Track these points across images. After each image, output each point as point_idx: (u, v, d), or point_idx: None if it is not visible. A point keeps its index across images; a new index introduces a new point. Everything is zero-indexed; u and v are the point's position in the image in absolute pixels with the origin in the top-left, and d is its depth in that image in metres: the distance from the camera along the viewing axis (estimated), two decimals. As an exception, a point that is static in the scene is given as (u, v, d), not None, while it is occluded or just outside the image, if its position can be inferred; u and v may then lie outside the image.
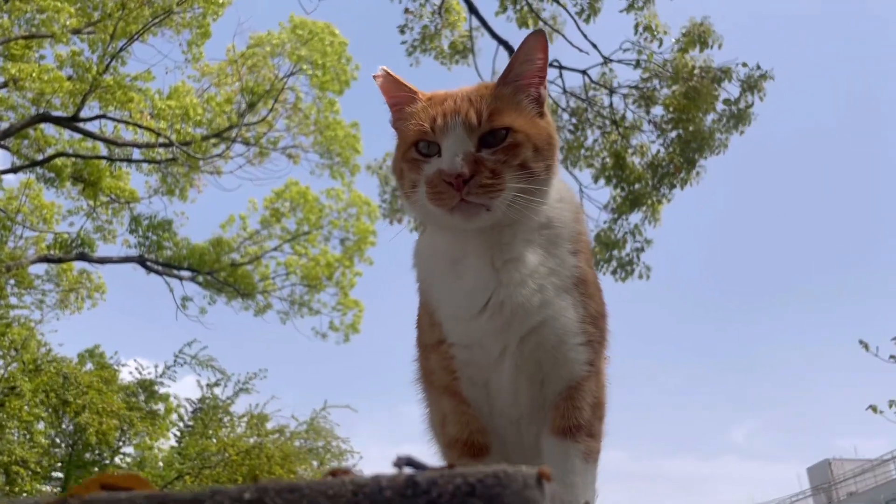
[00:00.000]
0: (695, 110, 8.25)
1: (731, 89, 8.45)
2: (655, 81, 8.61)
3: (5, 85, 12.72)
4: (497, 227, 1.55)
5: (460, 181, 1.45)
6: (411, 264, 1.74)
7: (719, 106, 8.45)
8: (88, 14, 12.42)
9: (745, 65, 8.40)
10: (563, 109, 9.00)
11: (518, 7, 8.58)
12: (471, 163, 1.46)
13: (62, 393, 11.07)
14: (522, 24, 8.65)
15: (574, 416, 1.54)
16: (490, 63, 9.34)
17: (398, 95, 1.66)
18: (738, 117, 8.32)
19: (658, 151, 8.90)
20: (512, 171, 1.49)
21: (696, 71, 8.34)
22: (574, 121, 9.04)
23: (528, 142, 1.52)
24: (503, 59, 8.97)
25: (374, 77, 1.67)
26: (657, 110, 8.79)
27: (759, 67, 8.35)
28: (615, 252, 8.93)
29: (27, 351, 11.10)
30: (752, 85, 8.24)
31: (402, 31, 9.20)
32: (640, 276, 9.04)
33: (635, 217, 9.02)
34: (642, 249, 9.06)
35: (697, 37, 8.29)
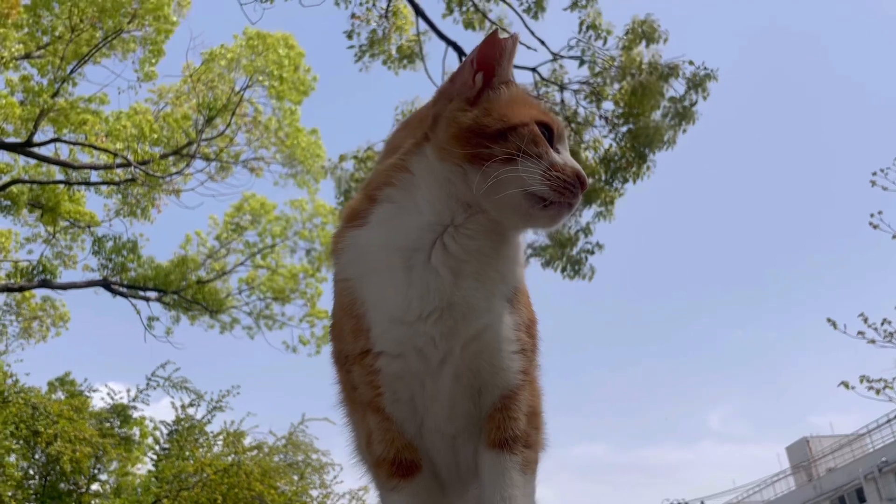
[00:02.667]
0: (643, 106, 8.36)
1: (677, 87, 8.62)
2: (604, 77, 8.69)
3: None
4: (480, 228, 1.51)
5: (585, 187, 1.48)
6: (333, 261, 1.62)
7: (665, 103, 8.57)
8: (37, 38, 12.24)
9: (691, 62, 8.56)
10: None
11: (464, 9, 8.59)
12: None
13: (32, 424, 10.86)
14: (468, 25, 8.67)
15: (510, 427, 1.49)
16: (439, 66, 9.37)
17: (504, 65, 1.57)
18: (683, 115, 8.47)
19: (610, 146, 8.98)
20: None
21: (644, 66, 8.45)
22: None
23: None
24: (453, 61, 9.02)
25: (501, 37, 1.57)
26: (607, 105, 8.89)
27: (704, 67, 8.52)
28: (567, 250, 8.99)
29: (-8, 383, 10.88)
30: (697, 83, 8.38)
31: (350, 37, 9.17)
32: (584, 277, 9.11)
33: (589, 213, 9.13)
34: (591, 252, 9.14)
35: (642, 33, 8.40)
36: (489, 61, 1.54)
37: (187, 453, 12.98)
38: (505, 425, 1.49)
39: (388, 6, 8.98)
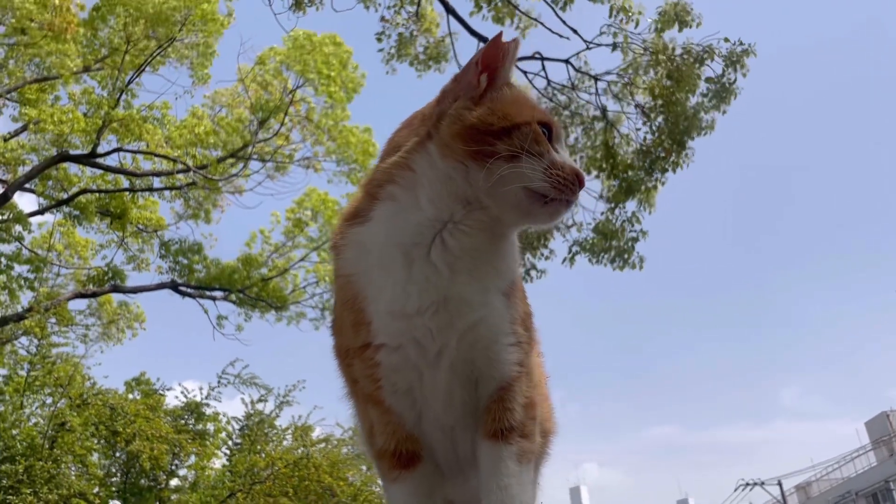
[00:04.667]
0: (678, 92, 8.18)
1: (713, 67, 8.39)
2: (638, 66, 8.53)
3: (25, 129, 13.06)
4: (478, 224, 1.54)
5: (582, 186, 1.52)
6: (333, 256, 1.66)
7: (703, 85, 8.37)
8: (96, 51, 12.67)
9: (726, 39, 8.32)
10: (550, 101, 8.96)
11: (493, 4, 8.51)
12: None
13: (111, 424, 11.34)
14: (498, 20, 8.58)
15: (506, 418, 1.53)
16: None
17: (507, 67, 1.61)
18: (721, 94, 8.24)
19: (645, 137, 8.82)
20: None
21: (678, 51, 8.25)
22: (564, 114, 9.00)
23: None
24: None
25: (504, 40, 1.60)
26: (641, 96, 8.73)
27: (741, 43, 8.27)
28: (614, 242, 8.90)
29: (73, 386, 11.37)
30: (734, 60, 8.14)
31: (380, 40, 9.20)
32: (634, 266, 8.99)
33: (631, 205, 9.00)
34: (637, 239, 9.00)
35: (675, 16, 8.19)
36: (493, 63, 1.58)
37: (258, 448, 13.38)
38: (501, 416, 1.53)
39: (418, 8, 8.98)
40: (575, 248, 9.28)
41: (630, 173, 8.90)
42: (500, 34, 1.62)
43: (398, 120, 1.70)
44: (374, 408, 1.61)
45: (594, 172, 9.12)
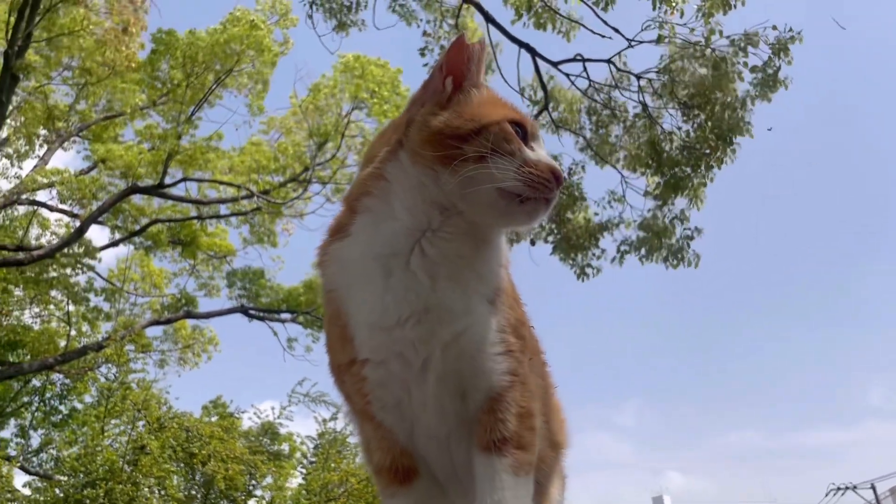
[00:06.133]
0: (722, 87, 7.97)
1: (759, 54, 8.15)
2: (680, 60, 8.33)
3: (95, 166, 13.68)
4: (457, 231, 1.50)
5: (560, 183, 1.48)
6: (318, 273, 1.63)
7: (747, 76, 8.14)
8: (158, 89, 13.20)
9: (774, 28, 8.05)
10: (593, 101, 8.85)
11: (533, 11, 8.46)
12: None
13: (187, 446, 11.64)
14: (539, 26, 8.54)
15: (498, 429, 1.48)
16: (513, 71, 9.19)
17: (473, 69, 1.58)
18: (767, 83, 7.97)
19: (688, 133, 8.62)
20: None
21: (722, 41, 8.06)
22: (595, 119, 8.89)
23: None
24: (526, 64, 8.88)
25: (468, 42, 1.59)
26: (683, 92, 8.52)
27: (789, 29, 8.01)
28: (664, 240, 8.71)
29: (150, 411, 11.75)
30: (780, 48, 7.86)
31: (423, 54, 9.25)
32: (689, 264, 8.78)
33: (680, 202, 8.81)
34: (692, 237, 8.80)
35: (720, 2, 7.97)
36: (458, 65, 1.56)
37: (332, 465, 13.52)
38: (493, 427, 1.48)
39: (457, 21, 9.01)
40: (623, 248, 9.13)
41: (676, 170, 8.71)
42: (463, 36, 1.60)
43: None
44: (367, 423, 1.59)
45: (639, 170, 8.97)
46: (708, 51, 8.08)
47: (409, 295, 1.47)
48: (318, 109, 13.94)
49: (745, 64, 8.02)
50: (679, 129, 8.61)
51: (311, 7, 9.10)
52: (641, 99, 8.68)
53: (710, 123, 8.30)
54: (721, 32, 8.24)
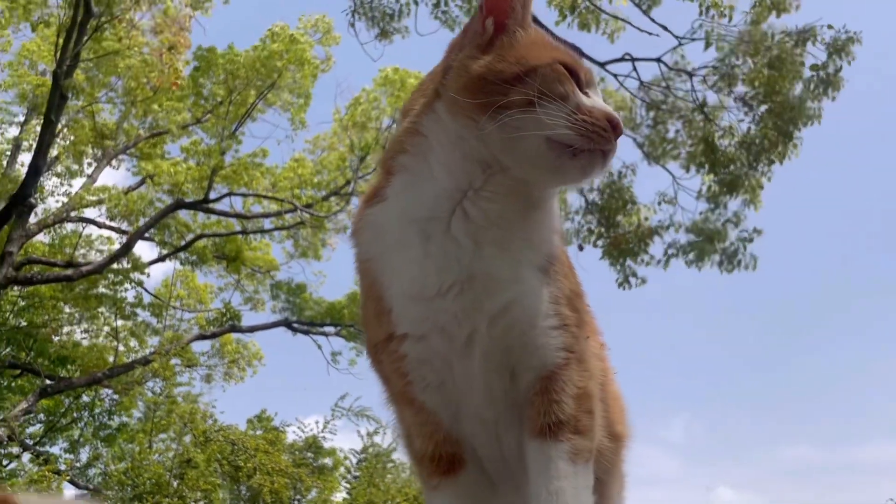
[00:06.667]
0: (780, 80, 7.75)
1: (817, 54, 7.96)
2: (735, 58, 8.14)
3: (142, 182, 13.93)
4: (503, 190, 1.36)
5: (619, 132, 1.32)
6: (352, 243, 1.50)
7: (806, 72, 7.93)
8: (202, 106, 13.43)
9: (830, 27, 7.84)
10: (643, 102, 8.70)
11: (577, 11, 8.36)
12: None
13: (233, 459, 11.67)
14: (583, 27, 8.43)
15: (553, 412, 1.33)
16: None
17: (518, 7, 1.43)
18: (828, 82, 7.75)
19: (749, 129, 8.40)
20: None
21: (777, 37, 7.84)
22: (653, 115, 8.72)
23: None
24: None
25: None
26: (741, 88, 8.34)
27: (845, 30, 7.83)
28: (718, 243, 8.49)
29: (195, 424, 11.82)
30: (838, 48, 7.65)
31: None
32: (746, 268, 8.55)
33: (734, 204, 8.62)
34: (750, 240, 8.60)
35: (770, 4, 7.80)
36: (500, 4, 1.40)
37: (377, 481, 13.43)
38: (548, 409, 1.34)
39: None
40: (671, 251, 8.92)
41: (733, 167, 8.48)
42: None
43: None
44: (407, 407, 1.45)
45: (693, 169, 8.76)
46: (767, 44, 7.87)
47: (451, 262, 1.34)
48: (358, 124, 14.02)
49: (802, 63, 7.81)
50: (740, 122, 8.38)
51: (353, 16, 9.12)
52: (694, 96, 8.48)
53: (770, 117, 8.06)
54: (772, 35, 8.07)
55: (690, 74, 8.61)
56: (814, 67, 7.91)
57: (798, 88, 8.14)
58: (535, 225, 1.40)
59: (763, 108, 8.29)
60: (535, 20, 8.55)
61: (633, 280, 9.13)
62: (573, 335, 1.39)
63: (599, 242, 9.16)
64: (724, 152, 8.56)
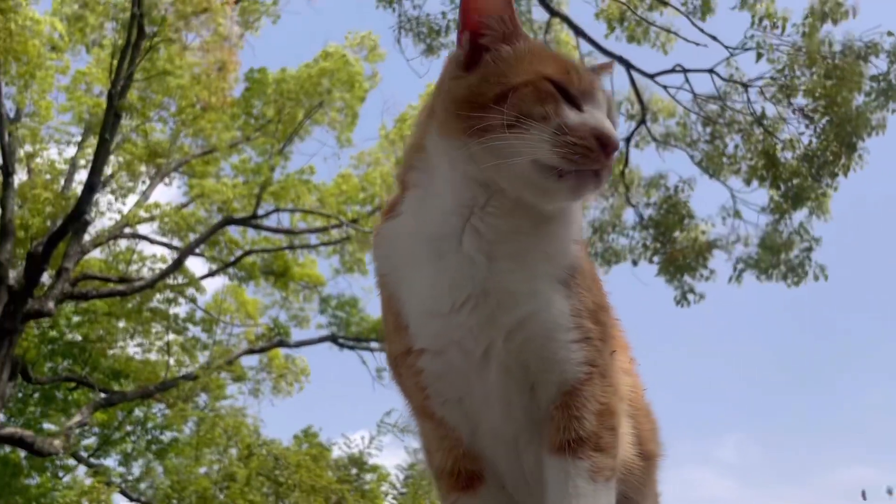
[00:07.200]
0: (841, 91, 7.49)
1: (877, 62, 7.70)
2: (792, 68, 7.91)
3: (193, 200, 14.23)
4: (510, 206, 1.31)
5: (610, 150, 1.25)
6: (371, 257, 1.49)
7: (867, 83, 7.64)
8: (252, 125, 13.70)
9: (890, 33, 7.59)
10: (698, 116, 8.51)
11: (626, 24, 8.24)
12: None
13: (275, 475, 11.71)
14: (632, 39, 8.30)
15: (572, 428, 1.29)
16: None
17: (496, 18, 1.33)
18: (888, 93, 7.46)
19: (810, 141, 8.15)
20: None
21: (836, 48, 7.60)
22: (709, 130, 8.53)
23: None
24: (621, 77, 8.68)
25: None
26: (800, 99, 8.09)
27: None
28: (782, 255, 8.24)
29: (240, 438, 11.92)
30: None
31: None
32: (816, 278, 8.30)
33: (800, 215, 8.35)
34: (811, 248, 8.35)
35: (824, 13, 7.56)
36: (478, 16, 1.32)
37: (423, 498, 13.33)
38: (567, 426, 1.30)
39: (546, 36, 8.86)
40: (740, 266, 8.69)
41: (796, 181, 8.24)
42: None
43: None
44: (427, 422, 1.44)
45: (755, 183, 8.55)
46: (819, 58, 7.64)
47: (464, 278, 1.31)
48: (405, 140, 14.12)
49: (862, 73, 7.55)
50: (801, 134, 8.16)
51: (399, 32, 9.18)
52: (751, 108, 8.27)
53: (832, 129, 7.82)
54: (830, 44, 7.84)
55: (746, 86, 8.41)
56: (874, 78, 7.64)
57: (859, 99, 7.88)
58: (551, 237, 1.35)
59: (824, 119, 8.05)
60: (581, 33, 8.49)
61: (690, 296, 8.95)
62: (596, 349, 1.34)
63: (655, 259, 9.00)
64: (786, 165, 8.35)
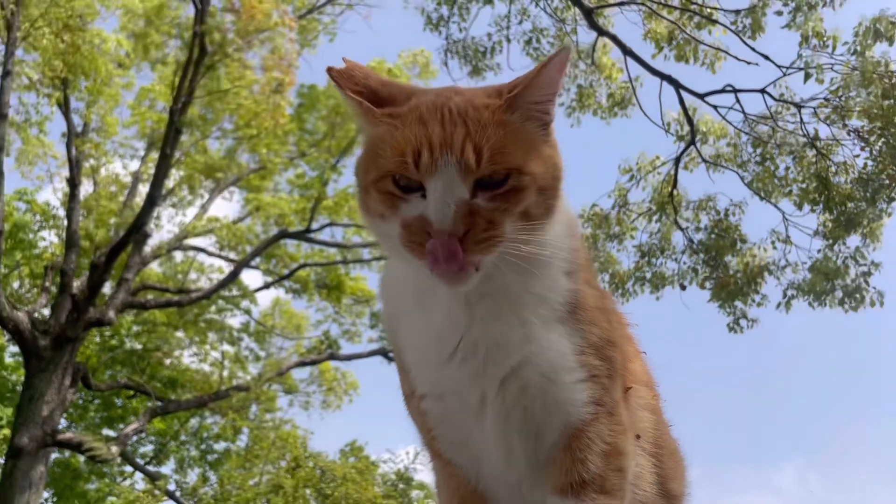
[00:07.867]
0: None
1: None
2: (848, 88, 7.69)
3: (250, 214, 14.55)
4: None
5: (444, 236, 1.13)
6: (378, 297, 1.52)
7: None
8: (307, 140, 13.97)
9: None
10: (748, 136, 8.33)
11: (674, 43, 8.15)
12: (465, 215, 1.13)
13: (321, 487, 11.81)
14: (680, 58, 8.19)
15: (576, 470, 1.26)
16: (655, 106, 8.79)
17: (374, 88, 1.27)
18: None
19: (865, 164, 7.94)
20: (512, 220, 1.18)
21: (893, 67, 7.38)
22: (760, 151, 8.35)
23: (534, 184, 1.20)
24: (669, 96, 8.57)
25: (332, 70, 1.29)
26: (855, 121, 7.87)
27: None
28: (838, 281, 7.99)
29: (288, 450, 12.06)
30: None
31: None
32: (872, 304, 8.02)
33: (853, 240, 8.12)
34: (869, 273, 8.09)
35: (876, 32, 7.34)
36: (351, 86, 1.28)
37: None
38: (570, 468, 1.27)
39: (592, 59, 8.83)
40: (791, 292, 8.48)
41: (850, 205, 8.01)
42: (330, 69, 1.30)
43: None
44: (435, 460, 1.46)
45: (807, 207, 8.34)
46: (875, 77, 7.43)
47: (449, 330, 1.29)
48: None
49: None
50: (856, 157, 7.95)
51: (445, 55, 9.31)
52: (804, 129, 8.08)
53: (889, 151, 7.59)
54: (887, 64, 7.62)
55: (799, 107, 8.20)
56: None
57: None
58: (536, 278, 1.28)
59: (881, 142, 7.81)
60: (630, 52, 8.41)
61: (743, 322, 8.76)
62: (602, 387, 1.30)
63: (707, 284, 8.82)
64: (840, 189, 8.13)
